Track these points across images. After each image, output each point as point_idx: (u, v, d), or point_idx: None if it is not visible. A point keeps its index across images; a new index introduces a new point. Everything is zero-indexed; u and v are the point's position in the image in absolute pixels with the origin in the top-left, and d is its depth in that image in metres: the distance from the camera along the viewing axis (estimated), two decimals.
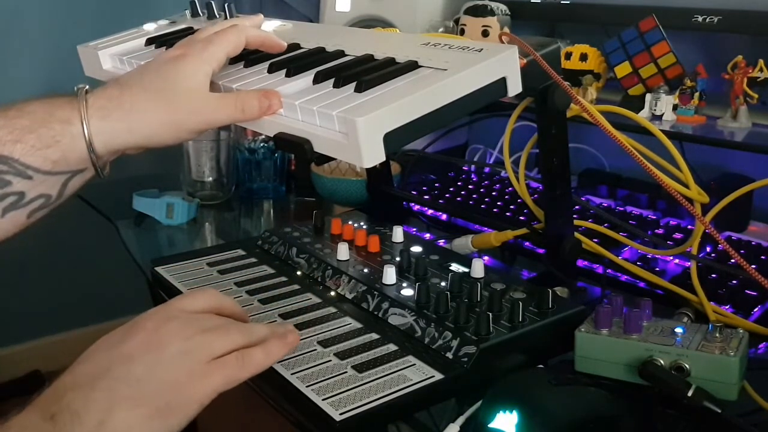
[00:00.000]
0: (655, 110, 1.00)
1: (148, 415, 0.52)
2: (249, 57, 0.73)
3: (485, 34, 1.16)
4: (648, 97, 1.00)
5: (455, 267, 0.80)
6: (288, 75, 0.68)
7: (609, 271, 0.85)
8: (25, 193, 0.61)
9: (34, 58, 1.75)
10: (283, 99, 0.63)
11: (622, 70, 1.06)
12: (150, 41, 0.85)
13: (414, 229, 1.01)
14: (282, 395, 0.63)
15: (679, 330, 0.63)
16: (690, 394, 0.58)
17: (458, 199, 1.10)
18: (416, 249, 0.86)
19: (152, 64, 0.67)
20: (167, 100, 0.64)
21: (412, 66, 0.62)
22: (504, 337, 0.66)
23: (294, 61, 0.71)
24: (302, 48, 0.75)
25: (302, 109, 0.61)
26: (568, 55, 1.08)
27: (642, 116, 0.85)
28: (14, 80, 1.67)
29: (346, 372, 0.64)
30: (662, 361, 0.61)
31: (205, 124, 0.66)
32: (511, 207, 1.04)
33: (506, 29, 1.16)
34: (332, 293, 0.79)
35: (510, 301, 0.71)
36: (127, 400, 0.52)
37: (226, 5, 0.86)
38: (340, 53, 0.71)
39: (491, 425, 0.57)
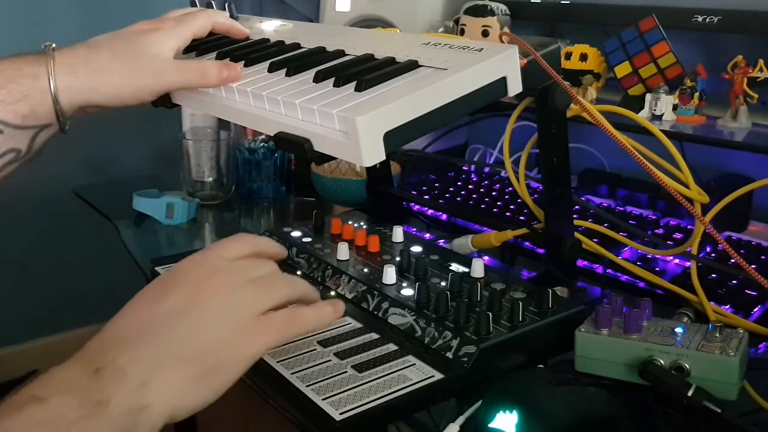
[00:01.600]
0: (655, 110, 1.00)
1: (194, 375, 0.50)
2: (249, 56, 0.73)
3: (485, 34, 1.16)
4: (648, 97, 1.00)
5: (455, 267, 0.80)
6: (288, 74, 0.68)
7: (609, 271, 0.85)
8: None
9: None
10: (284, 98, 0.63)
11: (622, 70, 1.06)
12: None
13: (414, 229, 1.01)
14: (282, 395, 0.63)
15: (679, 330, 0.63)
16: (690, 394, 0.58)
17: (458, 199, 1.10)
18: (416, 249, 0.86)
19: (122, 33, 0.72)
20: (131, 61, 0.68)
21: (413, 65, 0.62)
22: (504, 337, 0.66)
23: (294, 61, 0.71)
24: (302, 47, 0.75)
25: (302, 108, 0.61)
26: (568, 55, 1.08)
27: (642, 116, 0.85)
28: None
29: (346, 372, 0.64)
30: (662, 361, 0.61)
31: (166, 85, 0.70)
32: (511, 207, 1.04)
33: (506, 29, 1.16)
34: (332, 293, 0.79)
35: (510, 301, 0.71)
36: (173, 358, 0.50)
37: (226, 5, 0.86)
38: (341, 53, 0.71)
39: (491, 425, 0.57)
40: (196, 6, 0.90)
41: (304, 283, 0.60)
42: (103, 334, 0.52)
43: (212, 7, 0.88)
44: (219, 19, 0.78)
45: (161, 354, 0.50)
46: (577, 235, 0.81)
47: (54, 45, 0.67)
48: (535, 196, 0.95)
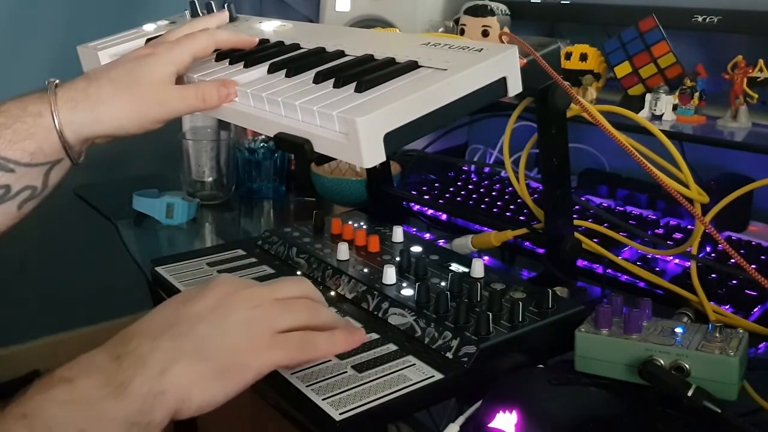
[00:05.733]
0: (655, 110, 0.99)
1: (206, 373, 0.53)
2: (249, 57, 0.73)
3: (485, 34, 1.16)
4: (648, 97, 1.00)
5: (455, 267, 0.80)
6: (288, 75, 0.68)
7: (609, 271, 0.85)
8: (10, 185, 0.66)
9: (33, 58, 1.75)
10: (284, 99, 0.63)
11: (622, 70, 1.06)
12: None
13: (414, 229, 1.01)
14: (282, 395, 0.63)
15: (679, 330, 0.63)
16: (690, 394, 0.58)
17: (458, 199, 1.10)
18: (416, 249, 0.86)
19: (121, 60, 0.72)
20: (131, 91, 0.68)
21: (412, 66, 0.62)
22: (504, 337, 0.66)
23: (294, 61, 0.71)
24: (302, 48, 0.75)
25: (302, 109, 0.61)
26: (568, 55, 1.08)
27: (642, 116, 0.85)
28: (14, 80, 1.67)
29: (346, 372, 0.64)
30: (662, 361, 0.61)
31: (168, 114, 0.70)
32: (511, 207, 1.04)
33: (506, 29, 1.16)
34: (332, 293, 0.79)
35: (510, 301, 0.71)
36: (190, 354, 0.53)
37: (226, 5, 0.86)
38: (340, 53, 0.71)
39: (491, 425, 0.57)
40: (195, 7, 0.90)
41: (329, 313, 0.63)
42: (129, 328, 0.56)
43: (212, 9, 0.88)
44: (222, 38, 0.76)
45: (179, 348, 0.53)
46: (577, 235, 0.81)
47: (57, 81, 0.68)
48: (535, 196, 0.95)
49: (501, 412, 0.57)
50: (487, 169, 1.21)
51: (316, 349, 0.59)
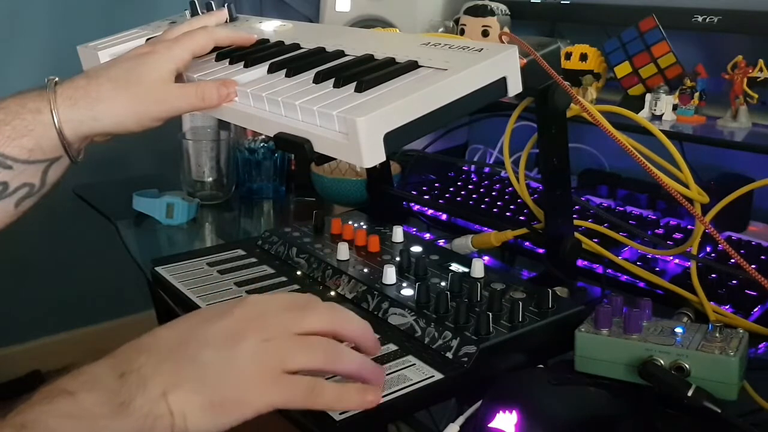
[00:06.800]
0: (655, 110, 1.00)
1: (202, 405, 0.51)
2: (249, 57, 0.73)
3: (485, 34, 1.16)
4: (648, 97, 1.00)
5: (455, 267, 0.80)
6: (288, 75, 0.68)
7: (609, 271, 0.85)
8: (8, 182, 0.66)
9: (34, 58, 1.75)
10: (283, 99, 0.63)
11: (622, 70, 1.06)
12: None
13: (414, 229, 1.01)
14: None
15: (679, 330, 0.63)
16: (690, 394, 0.58)
17: (458, 199, 1.10)
18: (416, 249, 0.86)
19: (120, 58, 0.72)
20: (130, 89, 0.68)
21: (412, 66, 0.62)
22: (504, 337, 0.66)
23: (294, 61, 0.71)
24: (302, 48, 0.75)
25: (302, 109, 0.61)
26: (568, 55, 1.08)
27: (642, 116, 0.85)
28: (14, 80, 1.67)
29: None
30: (662, 361, 0.61)
31: (167, 112, 0.70)
32: (511, 207, 1.04)
33: (506, 29, 1.16)
34: (332, 293, 0.79)
35: (510, 301, 0.71)
36: (190, 381, 0.51)
37: (226, 5, 0.86)
38: (340, 53, 0.71)
39: (491, 425, 0.57)
40: (195, 7, 0.90)
41: (351, 358, 0.57)
42: (141, 339, 0.54)
43: (212, 8, 0.88)
44: (220, 36, 0.76)
45: (182, 373, 0.52)
46: (577, 235, 0.81)
47: (57, 79, 0.68)
48: (535, 196, 0.95)
49: (501, 412, 0.57)
50: (487, 169, 1.21)
51: (321, 401, 0.55)
